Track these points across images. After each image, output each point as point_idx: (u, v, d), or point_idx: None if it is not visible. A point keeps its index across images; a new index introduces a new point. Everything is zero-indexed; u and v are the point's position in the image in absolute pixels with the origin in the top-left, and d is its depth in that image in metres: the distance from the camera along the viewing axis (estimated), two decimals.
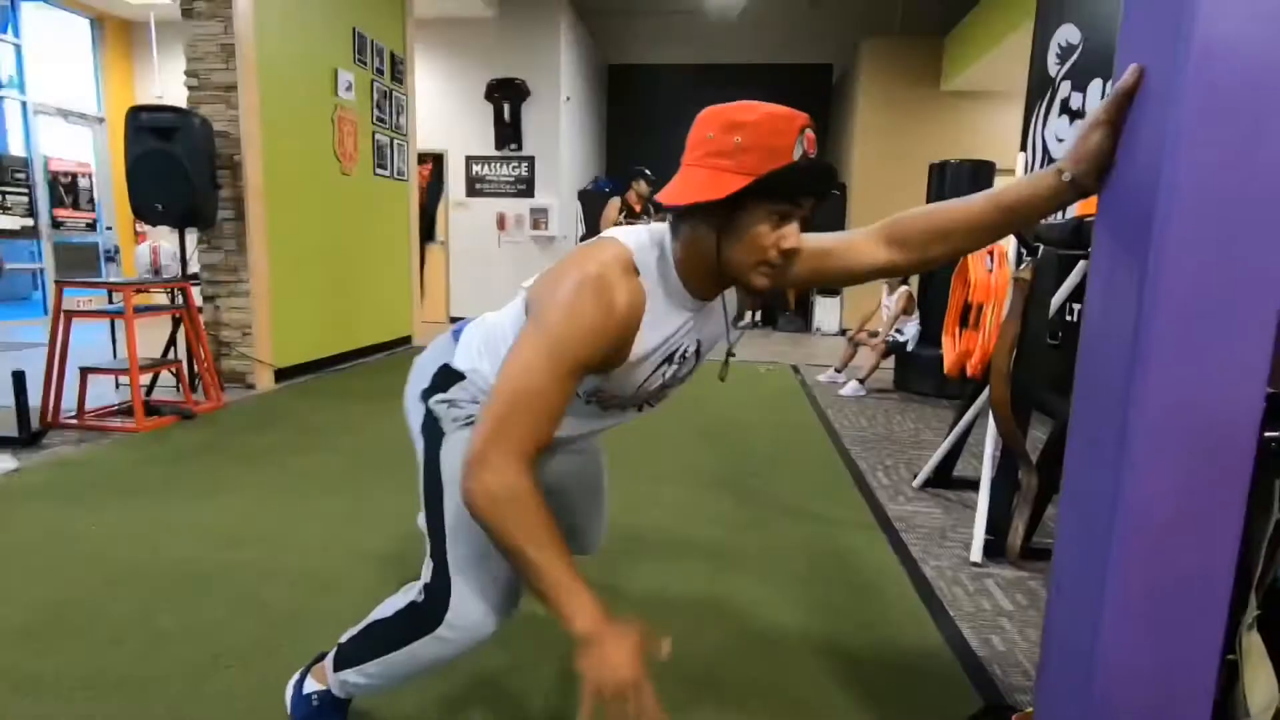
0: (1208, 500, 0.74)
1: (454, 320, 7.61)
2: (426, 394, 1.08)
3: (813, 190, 0.90)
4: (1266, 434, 0.72)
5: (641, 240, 0.97)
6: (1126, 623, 0.78)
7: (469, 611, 1.02)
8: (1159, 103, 0.72)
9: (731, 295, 1.09)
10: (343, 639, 1.17)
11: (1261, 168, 0.67)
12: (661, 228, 0.99)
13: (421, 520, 1.09)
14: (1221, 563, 0.75)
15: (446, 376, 1.07)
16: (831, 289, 7.96)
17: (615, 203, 5.55)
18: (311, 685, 1.21)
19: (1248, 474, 0.73)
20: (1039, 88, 3.30)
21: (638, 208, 5.53)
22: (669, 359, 1.02)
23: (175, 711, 1.29)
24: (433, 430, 1.07)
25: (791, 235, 0.89)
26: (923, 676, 1.48)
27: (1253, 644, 0.77)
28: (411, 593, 1.10)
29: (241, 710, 1.30)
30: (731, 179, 0.85)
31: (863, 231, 1.03)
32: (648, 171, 5.51)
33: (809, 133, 0.87)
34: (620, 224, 5.27)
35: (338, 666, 1.15)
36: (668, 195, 0.91)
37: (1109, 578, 0.78)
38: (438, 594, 1.03)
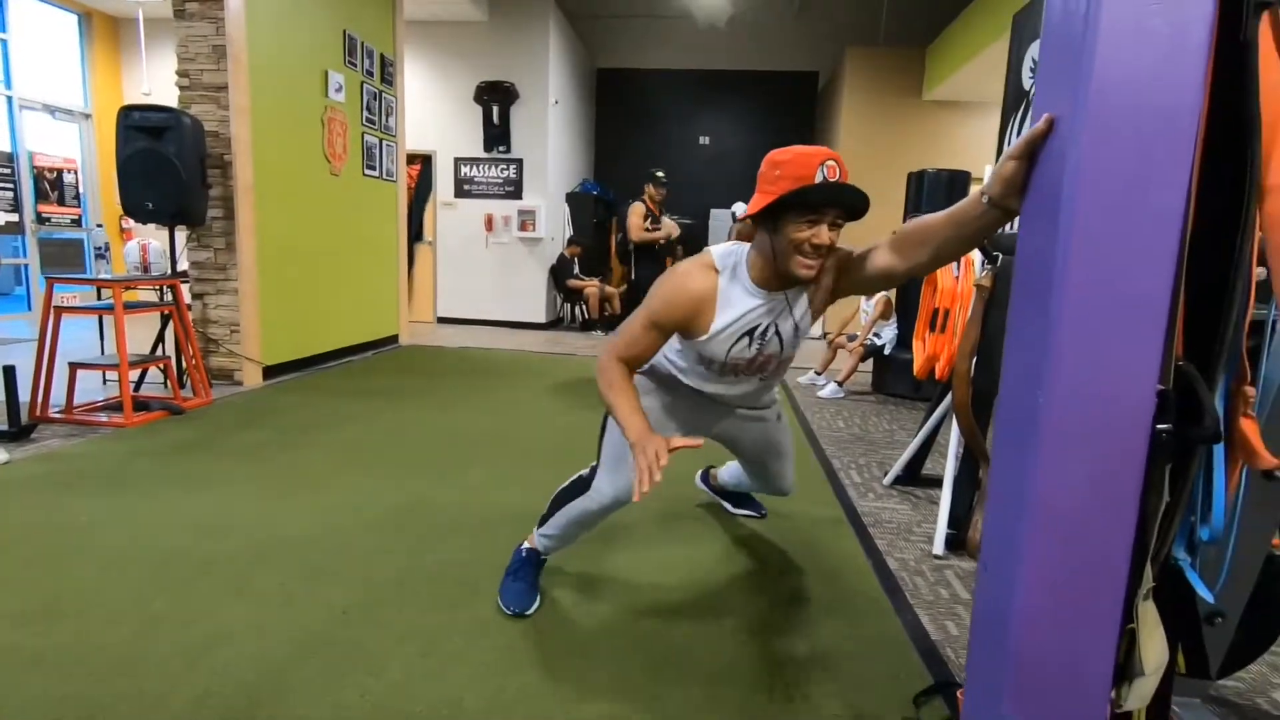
0: (1108, 485, 0.84)
1: (441, 320, 7.67)
2: None
3: (826, 202, 1.27)
4: (1158, 426, 0.82)
5: (727, 248, 1.45)
6: (1039, 594, 0.88)
7: (602, 485, 1.61)
8: (1063, 136, 0.82)
9: (799, 298, 1.46)
10: (545, 511, 1.74)
11: (1147, 194, 0.77)
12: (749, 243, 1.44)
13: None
14: (1121, 540, 0.85)
15: None
16: None
17: (638, 209, 5.18)
18: (525, 545, 1.78)
19: (1142, 462, 0.83)
20: (1014, 100, 3.42)
21: (656, 211, 5.26)
22: (749, 334, 1.44)
23: (171, 688, 1.36)
24: None
25: (820, 235, 1.27)
26: (882, 657, 1.58)
27: (1148, 611, 0.87)
28: (582, 471, 1.71)
29: (234, 686, 1.37)
30: (769, 199, 1.27)
31: (884, 241, 1.31)
32: (660, 174, 5.25)
33: (830, 164, 1.25)
34: (645, 230, 5.19)
35: (539, 525, 1.74)
36: (744, 211, 1.34)
37: (1024, 554, 0.88)
38: (593, 472, 1.65)
